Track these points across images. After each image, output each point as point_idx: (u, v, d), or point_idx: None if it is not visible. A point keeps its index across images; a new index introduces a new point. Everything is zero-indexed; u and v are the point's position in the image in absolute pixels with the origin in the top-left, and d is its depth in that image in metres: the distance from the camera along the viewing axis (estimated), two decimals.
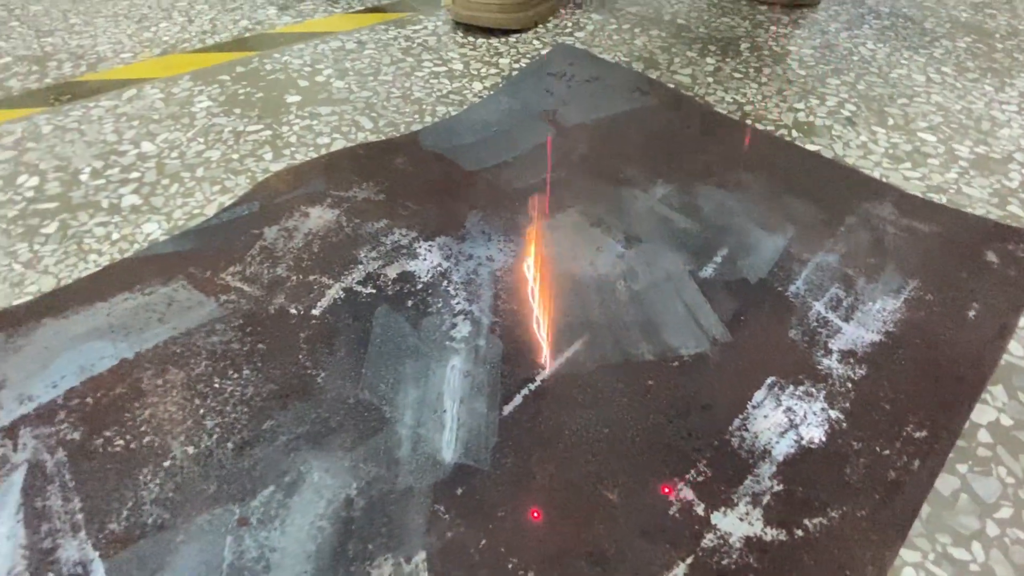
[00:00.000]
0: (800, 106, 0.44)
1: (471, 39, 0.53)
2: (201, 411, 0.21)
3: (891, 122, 0.43)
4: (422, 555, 0.18)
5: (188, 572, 0.17)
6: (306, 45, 0.51)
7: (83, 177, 0.36)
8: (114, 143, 0.39)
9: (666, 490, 0.20)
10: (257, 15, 0.57)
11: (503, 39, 0.53)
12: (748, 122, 0.41)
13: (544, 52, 0.50)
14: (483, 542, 0.18)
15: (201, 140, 0.39)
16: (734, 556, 0.18)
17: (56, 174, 0.36)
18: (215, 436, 0.21)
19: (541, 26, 0.55)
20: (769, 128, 0.41)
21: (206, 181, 0.35)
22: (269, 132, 0.40)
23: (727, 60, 0.50)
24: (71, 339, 0.24)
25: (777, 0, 0.61)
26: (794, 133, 0.41)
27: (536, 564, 0.18)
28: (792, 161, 0.36)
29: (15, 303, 0.27)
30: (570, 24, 0.56)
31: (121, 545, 0.18)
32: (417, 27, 0.55)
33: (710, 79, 0.47)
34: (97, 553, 0.18)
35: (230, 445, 0.20)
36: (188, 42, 0.52)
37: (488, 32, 0.54)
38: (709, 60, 0.50)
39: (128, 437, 0.21)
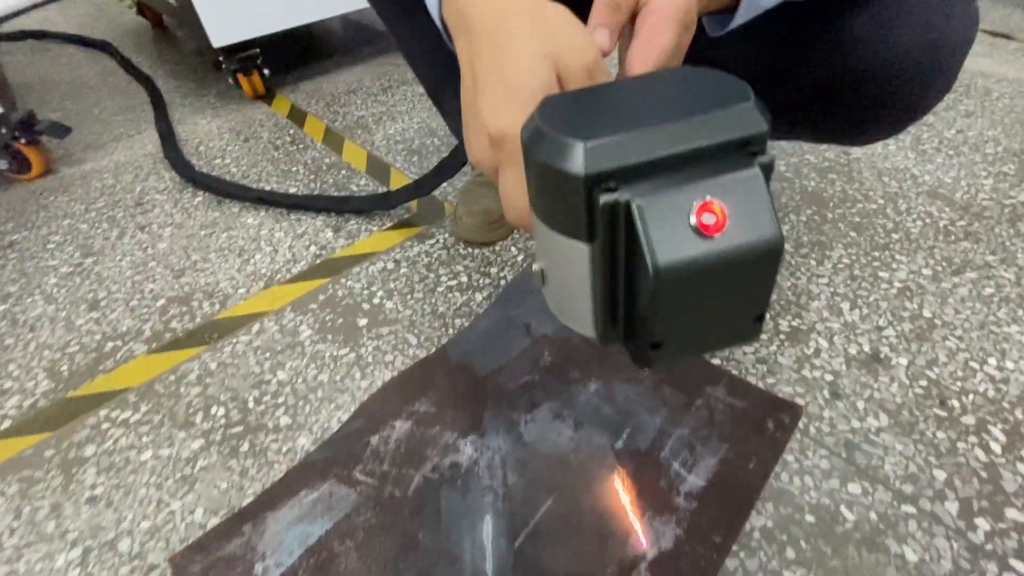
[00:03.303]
0: None
1: (470, 251, 0.78)
2: (367, 554, 0.44)
3: None
4: None
5: None
6: (360, 268, 0.76)
7: (250, 405, 0.59)
8: (259, 374, 0.62)
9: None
10: (319, 239, 0.82)
11: (491, 249, 0.78)
12: None
13: (523, 266, 0.74)
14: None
15: (313, 366, 0.62)
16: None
17: (233, 404, 0.59)
18: (384, 564, 0.43)
19: (517, 233, 0.80)
20: None
21: (325, 400, 0.59)
22: (353, 355, 0.63)
23: None
24: (287, 524, 0.47)
25: None
26: None
27: None
28: None
29: (245, 503, 0.50)
30: None
31: None
32: (432, 241, 0.80)
33: None
34: None
35: (389, 569, 0.43)
36: (280, 272, 0.76)
37: (480, 244, 0.79)
38: None
39: (342, 569, 0.43)
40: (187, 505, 0.50)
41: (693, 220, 0.19)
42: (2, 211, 0.94)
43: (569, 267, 0.23)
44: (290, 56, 1.48)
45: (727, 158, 0.20)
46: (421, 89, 1.25)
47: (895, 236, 0.75)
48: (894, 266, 0.70)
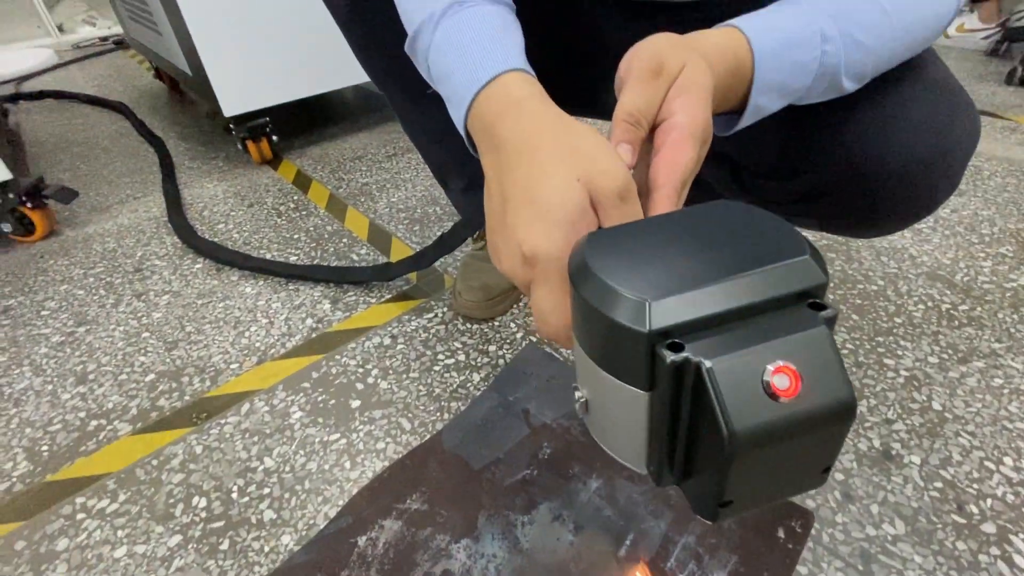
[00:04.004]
0: None
1: (468, 326, 0.77)
2: None
3: None
4: None
5: None
6: (356, 344, 0.75)
7: (234, 496, 0.56)
8: (246, 460, 0.60)
9: None
10: (316, 311, 0.81)
11: (490, 325, 0.77)
12: None
13: (522, 344, 0.73)
14: None
15: (302, 453, 0.60)
16: None
17: (216, 494, 0.56)
18: None
19: (516, 308, 0.80)
20: None
21: (312, 492, 0.56)
22: (344, 441, 0.61)
23: None
24: None
25: None
26: None
27: None
28: None
29: None
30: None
31: None
32: (430, 315, 0.79)
33: None
34: None
35: None
36: (274, 347, 0.75)
37: (479, 320, 0.78)
38: None
39: None
40: None
41: (767, 383, 0.18)
42: (2, 275, 0.93)
43: (621, 407, 0.23)
44: (298, 122, 1.53)
45: (790, 312, 0.20)
46: None
47: (898, 320, 0.74)
48: (899, 353, 0.69)
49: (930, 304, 0.77)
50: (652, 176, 0.28)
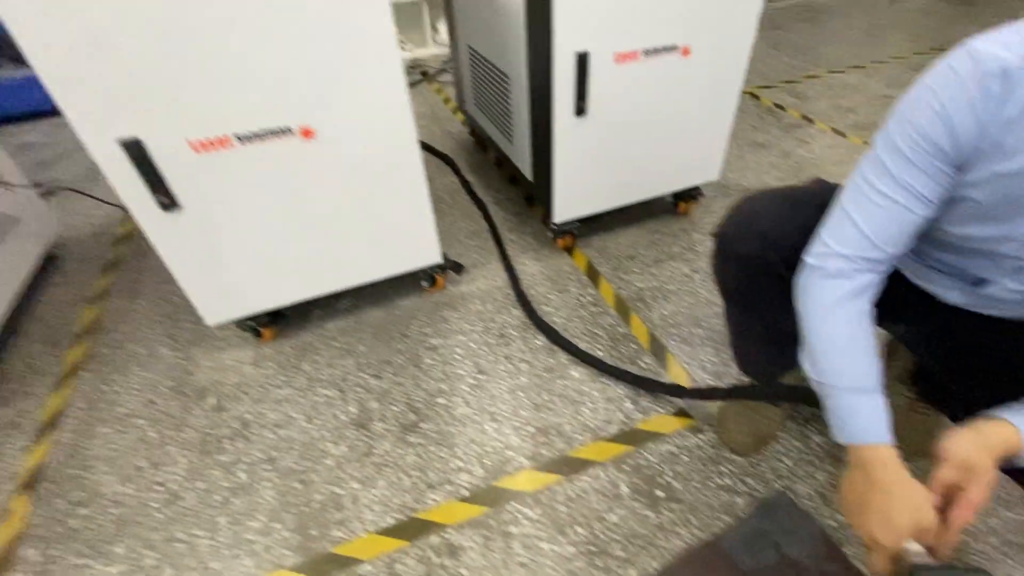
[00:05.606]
0: None
1: (732, 457, 1.12)
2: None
3: None
4: None
5: None
6: (654, 444, 1.14)
7: (597, 533, 1.00)
8: (599, 511, 1.04)
9: None
10: (623, 407, 1.22)
11: (748, 460, 1.11)
12: None
13: (774, 484, 1.06)
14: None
15: (632, 519, 1.02)
16: None
17: (586, 529, 1.01)
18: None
19: (769, 451, 1.12)
20: None
21: (642, 549, 0.98)
22: (656, 519, 1.02)
23: None
24: None
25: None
26: None
27: None
28: None
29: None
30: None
31: None
32: (703, 436, 1.15)
33: None
34: None
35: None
36: (601, 429, 1.18)
37: (742, 455, 1.12)
38: None
39: None
40: None
41: None
42: (423, 317, 1.51)
43: None
44: None
45: None
46: (685, 269, 1.61)
47: None
48: None
49: None
50: (949, 520, 0.61)
